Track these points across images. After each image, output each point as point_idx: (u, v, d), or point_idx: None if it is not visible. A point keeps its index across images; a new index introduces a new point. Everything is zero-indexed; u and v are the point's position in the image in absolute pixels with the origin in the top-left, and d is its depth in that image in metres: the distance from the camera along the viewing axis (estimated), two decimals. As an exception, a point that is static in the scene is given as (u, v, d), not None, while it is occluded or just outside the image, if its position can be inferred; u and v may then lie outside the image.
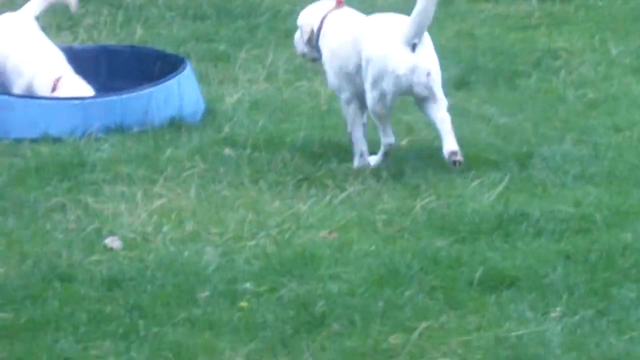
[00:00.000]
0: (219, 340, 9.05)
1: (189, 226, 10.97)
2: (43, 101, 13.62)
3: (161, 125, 13.35)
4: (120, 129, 13.28)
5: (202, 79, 13.86)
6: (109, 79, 14.28)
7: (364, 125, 13.00)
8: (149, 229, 11.03)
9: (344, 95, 13.10)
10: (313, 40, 13.29)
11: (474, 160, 12.02)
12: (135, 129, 13.45)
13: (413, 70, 12.32)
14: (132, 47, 14.00)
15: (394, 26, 12.70)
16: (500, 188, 11.24)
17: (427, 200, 11.14)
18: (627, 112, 13.09)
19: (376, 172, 11.80)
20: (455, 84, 14.34)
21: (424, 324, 9.15)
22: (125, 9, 17.46)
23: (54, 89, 13.73)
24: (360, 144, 12.85)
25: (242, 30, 15.81)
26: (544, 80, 14.31)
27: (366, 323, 9.15)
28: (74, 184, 11.95)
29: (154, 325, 9.31)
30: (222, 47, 15.92)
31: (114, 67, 14.22)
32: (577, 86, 14.15)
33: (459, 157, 12.24)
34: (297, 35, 13.64)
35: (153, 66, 14.19)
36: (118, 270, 10.24)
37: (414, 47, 12.33)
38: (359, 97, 12.93)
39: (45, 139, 13.00)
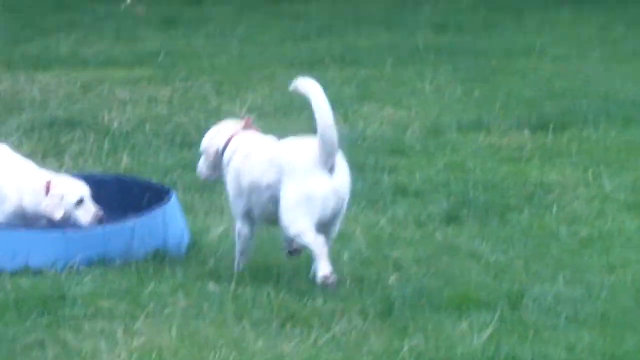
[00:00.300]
0: None
1: None
2: (23, 232, 13.32)
3: (145, 258, 13.04)
4: (103, 262, 13.05)
5: (187, 209, 13.63)
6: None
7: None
8: (130, 369, 10.47)
9: (242, 216, 13.24)
10: (217, 162, 13.28)
11: (464, 300, 11.65)
12: (118, 262, 13.17)
13: (335, 194, 12.44)
14: (117, 176, 13.73)
15: (312, 150, 12.55)
16: (490, 330, 10.94)
17: (415, 342, 10.79)
18: (621, 250, 12.82)
19: (363, 310, 11.42)
20: (445, 219, 14.05)
21: None
22: (112, 136, 17.16)
23: (47, 191, 13.45)
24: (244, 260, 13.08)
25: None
26: (536, 215, 14.00)
27: None
28: (54, 319, 11.62)
29: None
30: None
31: (99, 197, 13.69)
32: (570, 222, 13.83)
33: (332, 280, 12.32)
34: (201, 161, 13.59)
35: (138, 196, 13.92)
36: None
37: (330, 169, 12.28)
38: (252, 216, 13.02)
39: (25, 271, 12.82)
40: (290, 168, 12.49)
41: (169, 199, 13.57)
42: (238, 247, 13.13)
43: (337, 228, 12.64)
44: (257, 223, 13.16)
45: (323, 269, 12.12)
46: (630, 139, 16.06)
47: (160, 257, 12.99)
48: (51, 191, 13.38)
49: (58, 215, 13.32)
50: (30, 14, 25.42)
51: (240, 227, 13.10)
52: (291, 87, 12.59)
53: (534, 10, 25.44)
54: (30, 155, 14.69)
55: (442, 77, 19.25)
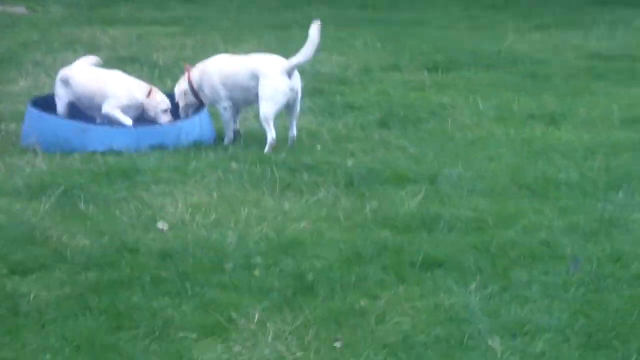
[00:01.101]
0: (241, 299, 8.52)
1: (213, 216, 10.48)
2: (109, 127, 12.88)
3: (188, 146, 12.66)
4: (161, 147, 12.67)
5: (213, 116, 12.86)
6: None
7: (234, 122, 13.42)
8: (186, 217, 10.61)
9: (224, 105, 13.43)
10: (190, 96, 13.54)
11: (399, 178, 11.56)
12: (171, 148, 12.80)
13: (291, 90, 12.77)
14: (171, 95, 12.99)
15: (279, 62, 13.08)
16: (420, 197, 10.78)
17: (372, 203, 10.36)
18: (494, 147, 12.52)
19: (334, 182, 11.07)
20: (379, 125, 13.67)
21: (384, 293, 8.25)
22: (159, 68, 17.04)
23: (149, 95, 13.40)
24: (230, 132, 13.43)
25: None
26: (437, 124, 14.03)
27: (343, 290, 8.67)
28: (132, 184, 11.57)
29: (197, 286, 8.76)
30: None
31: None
32: (460, 129, 13.80)
33: (274, 144, 12.96)
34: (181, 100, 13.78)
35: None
36: (168, 247, 9.76)
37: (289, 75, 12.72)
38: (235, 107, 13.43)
39: (110, 152, 12.41)
40: (265, 72, 12.85)
41: (202, 109, 12.95)
42: (226, 130, 13.61)
43: (297, 112, 13.17)
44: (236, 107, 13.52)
45: (271, 138, 12.80)
46: (492, 77, 15.77)
47: (197, 146, 12.72)
48: (151, 96, 13.15)
49: (150, 114, 13.35)
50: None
51: (224, 113, 13.53)
52: (314, 22, 12.93)
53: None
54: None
55: (367, 37, 18.97)
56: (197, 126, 13.38)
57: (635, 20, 21.13)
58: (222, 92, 13.32)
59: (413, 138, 13.39)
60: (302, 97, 13.41)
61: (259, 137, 13.14)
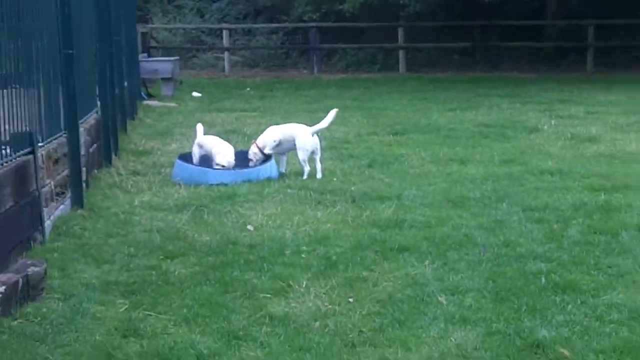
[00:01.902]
0: (295, 272, 7.90)
1: (278, 221, 9.81)
2: (219, 171, 12.12)
3: (263, 180, 11.94)
4: (249, 180, 11.80)
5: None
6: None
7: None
8: (263, 221, 9.84)
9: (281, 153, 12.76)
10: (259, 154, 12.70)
11: (381, 196, 10.71)
12: (255, 180, 11.94)
13: (315, 145, 12.21)
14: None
15: (306, 129, 12.48)
16: (392, 208, 10.45)
17: (367, 212, 10.00)
18: (431, 178, 12.19)
19: (345, 200, 10.55)
20: (367, 166, 13.30)
21: (376, 267, 7.83)
22: (248, 137, 15.84)
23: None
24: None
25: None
26: (399, 166, 13.45)
27: (352, 266, 8.09)
28: (232, 203, 10.81)
29: (269, 265, 8.10)
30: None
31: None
32: (412, 168, 13.26)
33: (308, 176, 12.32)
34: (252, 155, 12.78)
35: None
36: (253, 241, 9.04)
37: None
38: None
39: (220, 185, 11.70)
40: (298, 134, 12.29)
41: (270, 158, 12.27)
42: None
43: (320, 157, 12.42)
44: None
45: (306, 171, 12.06)
46: (426, 138, 15.16)
47: (269, 180, 11.77)
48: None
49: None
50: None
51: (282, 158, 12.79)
52: (333, 109, 12.78)
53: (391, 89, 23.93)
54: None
55: (358, 117, 18.17)
56: (269, 169, 12.42)
57: (502, 105, 20.45)
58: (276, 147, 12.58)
59: (386, 173, 12.63)
60: (322, 149, 12.71)
61: (300, 174, 12.29)
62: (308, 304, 7.02)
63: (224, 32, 31.42)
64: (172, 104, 22.07)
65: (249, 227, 9.63)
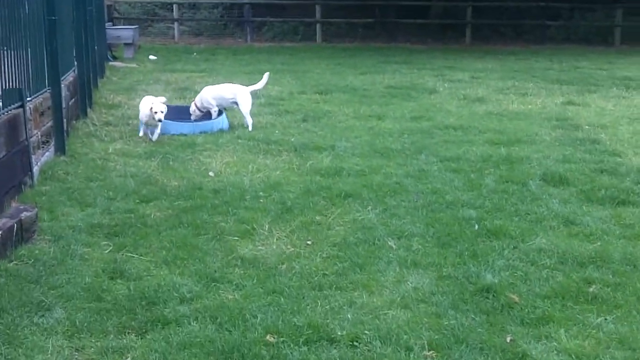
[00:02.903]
0: (256, 216, 6.99)
1: (235, 169, 8.80)
2: (180, 123, 11.22)
3: (216, 132, 10.94)
4: (205, 132, 10.82)
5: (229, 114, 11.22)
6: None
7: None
8: (222, 169, 8.93)
9: (215, 109, 11.52)
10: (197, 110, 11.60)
11: (318, 147, 9.74)
12: (209, 132, 10.84)
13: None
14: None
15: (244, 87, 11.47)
16: (330, 158, 9.48)
17: (309, 161, 8.89)
18: (356, 131, 11.32)
19: (287, 149, 9.72)
20: (302, 120, 12.27)
21: (327, 212, 6.99)
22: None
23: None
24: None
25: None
26: (328, 120, 12.52)
27: (306, 210, 7.30)
28: (193, 151, 9.88)
29: (234, 209, 7.22)
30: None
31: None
32: (339, 122, 12.38)
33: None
34: (192, 112, 11.66)
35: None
36: (216, 186, 8.13)
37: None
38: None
39: (180, 135, 10.64)
40: (239, 92, 11.27)
41: (222, 113, 11.44)
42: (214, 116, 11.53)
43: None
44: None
45: (250, 123, 11.12)
46: (346, 97, 14.36)
47: (221, 132, 10.83)
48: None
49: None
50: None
51: (215, 113, 11.54)
52: (266, 73, 11.83)
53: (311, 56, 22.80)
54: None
55: (288, 78, 17.09)
56: (222, 122, 11.41)
57: (402, 70, 19.62)
58: (214, 103, 11.49)
59: (319, 127, 11.74)
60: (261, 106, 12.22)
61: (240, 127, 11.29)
62: (273, 247, 6.21)
63: (174, 6, 30.29)
64: (133, 65, 20.84)
65: (210, 173, 8.73)
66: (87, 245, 6.15)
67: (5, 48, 7.61)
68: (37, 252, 5.89)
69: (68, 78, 11.31)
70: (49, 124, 9.51)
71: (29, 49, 8.66)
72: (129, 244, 6.21)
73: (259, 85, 11.86)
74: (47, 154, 9.06)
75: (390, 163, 9.18)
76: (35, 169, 8.31)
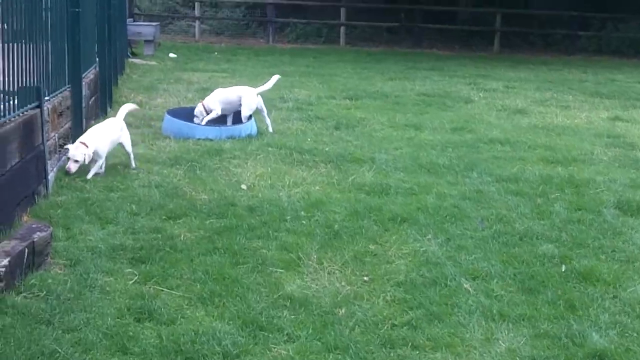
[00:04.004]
0: (300, 241, 5.78)
1: (269, 181, 7.86)
2: (205, 127, 10.31)
3: (245, 137, 10.09)
4: (232, 138, 9.93)
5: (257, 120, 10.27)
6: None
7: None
8: (255, 181, 7.98)
9: (217, 113, 10.60)
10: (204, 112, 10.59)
11: (356, 159, 8.84)
12: (236, 137, 10.05)
13: (258, 103, 10.43)
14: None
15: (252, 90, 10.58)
16: (372, 172, 8.34)
17: (351, 175, 7.83)
18: (394, 142, 10.37)
19: (322, 160, 8.75)
20: (334, 128, 11.41)
21: (381, 240, 6.02)
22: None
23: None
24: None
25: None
26: (362, 129, 11.47)
27: (356, 237, 6.08)
28: (221, 159, 8.89)
29: (274, 231, 6.32)
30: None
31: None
32: (374, 132, 11.29)
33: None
34: (198, 113, 10.66)
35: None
36: (251, 203, 7.17)
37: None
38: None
39: (206, 139, 9.78)
40: (244, 94, 10.38)
41: (251, 117, 10.45)
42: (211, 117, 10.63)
43: (266, 113, 10.70)
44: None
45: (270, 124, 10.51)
46: (377, 104, 13.38)
47: (249, 138, 9.88)
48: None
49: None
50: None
51: (216, 115, 10.63)
52: (275, 75, 11.10)
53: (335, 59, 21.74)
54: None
55: (314, 82, 16.12)
56: (250, 127, 10.42)
57: (433, 77, 18.64)
58: (219, 107, 10.56)
59: (353, 136, 10.81)
60: (288, 110, 11.67)
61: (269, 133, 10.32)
62: (324, 283, 5.24)
63: (196, 4, 29.42)
64: (153, 62, 19.96)
65: (242, 186, 7.78)
66: (109, 273, 5.20)
67: (22, 41, 6.65)
68: (50, 281, 4.94)
69: (89, 75, 10.40)
70: (67, 125, 8.59)
71: (49, 43, 7.72)
72: (156, 273, 5.26)
73: (267, 86, 10.90)
74: (63, 158, 8.11)
75: (440, 181, 8.21)
76: (51, 177, 7.37)
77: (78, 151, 7.59)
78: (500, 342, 4.34)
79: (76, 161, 7.56)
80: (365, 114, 12.77)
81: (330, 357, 4.13)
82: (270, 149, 9.55)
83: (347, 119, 12.15)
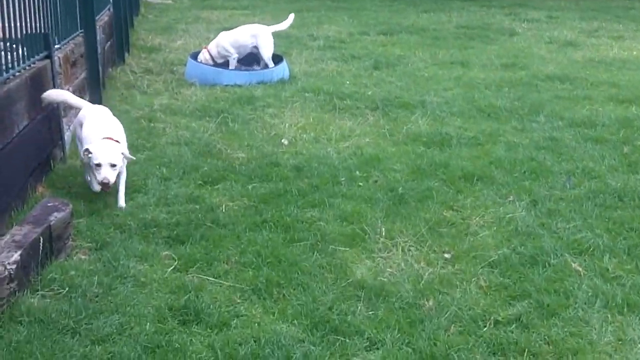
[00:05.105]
0: (361, 209, 5.04)
1: (312, 134, 7.01)
2: (233, 71, 9.44)
3: (277, 81, 9.07)
4: (263, 82, 8.96)
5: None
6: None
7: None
8: (297, 134, 7.11)
9: (235, 57, 9.67)
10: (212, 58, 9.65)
11: (404, 104, 7.97)
12: (268, 83, 9.06)
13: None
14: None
15: (265, 27, 9.77)
16: (425, 120, 7.13)
17: (404, 125, 6.93)
18: (442, 82, 9.48)
19: (366, 106, 7.87)
20: (373, 68, 10.36)
21: (456, 205, 5.28)
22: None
23: None
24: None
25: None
26: (404, 67, 10.53)
27: (425, 201, 5.28)
28: (254, 107, 8.02)
29: (329, 196, 5.47)
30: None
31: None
32: (418, 71, 10.29)
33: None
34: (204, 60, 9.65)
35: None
36: (296, 162, 6.27)
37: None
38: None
39: (234, 85, 8.86)
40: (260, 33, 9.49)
41: (283, 60, 9.39)
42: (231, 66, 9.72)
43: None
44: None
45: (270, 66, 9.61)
46: (415, 39, 12.88)
47: (282, 81, 8.88)
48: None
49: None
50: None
51: (233, 60, 9.71)
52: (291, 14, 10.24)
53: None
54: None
55: (343, 16, 15.07)
56: (282, 70, 9.51)
57: (470, 8, 17.53)
58: (232, 51, 9.58)
59: (395, 76, 9.87)
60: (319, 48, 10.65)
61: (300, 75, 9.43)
62: (400, 264, 4.40)
63: (209, -63, 28.14)
64: (169, 1, 19.00)
65: (283, 141, 6.93)
66: (142, 259, 4.40)
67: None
68: (73, 272, 4.14)
69: (103, 17, 9.52)
70: (82, 75, 7.73)
71: (58, -17, 6.83)
72: (199, 256, 4.44)
73: (283, 25, 9.98)
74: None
75: (506, 127, 7.32)
76: (67, 136, 6.55)
77: (112, 152, 5.11)
78: (639, 345, 3.51)
79: (113, 166, 5.08)
80: (404, 50, 11.82)
81: (431, 374, 3.32)
82: (306, 94, 8.68)
83: (385, 57, 11.21)
